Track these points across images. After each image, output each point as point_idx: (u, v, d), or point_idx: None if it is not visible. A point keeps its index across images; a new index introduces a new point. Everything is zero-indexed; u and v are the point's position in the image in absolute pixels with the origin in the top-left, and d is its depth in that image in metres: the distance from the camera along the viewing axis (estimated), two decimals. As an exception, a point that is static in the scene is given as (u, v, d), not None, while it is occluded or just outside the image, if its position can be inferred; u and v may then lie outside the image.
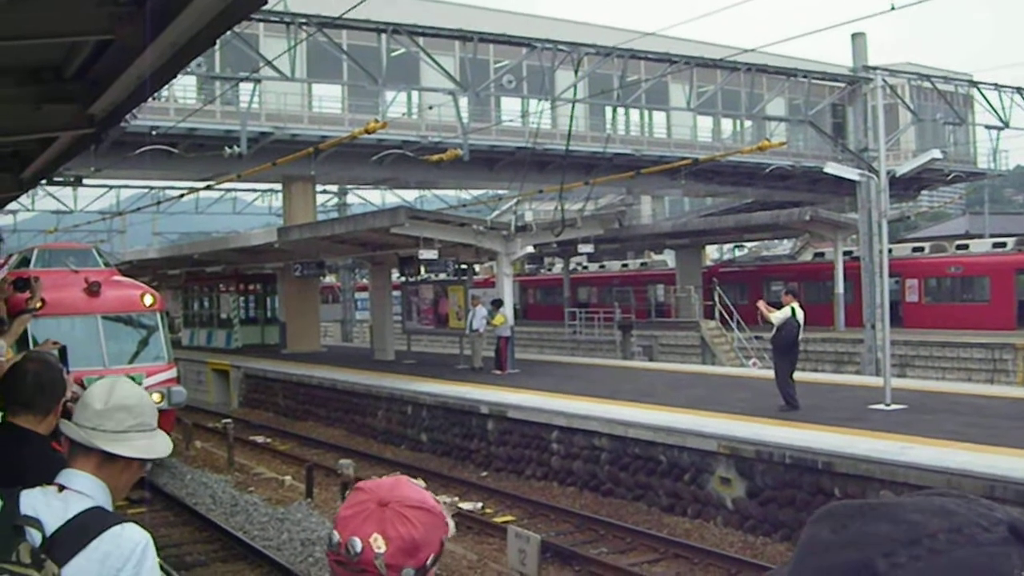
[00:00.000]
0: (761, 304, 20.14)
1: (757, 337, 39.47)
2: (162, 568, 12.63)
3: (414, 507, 2.17)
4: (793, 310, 19.07)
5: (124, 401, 3.23)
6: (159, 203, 50.37)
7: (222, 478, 21.37)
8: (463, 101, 36.62)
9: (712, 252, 71.45)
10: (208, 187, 42.56)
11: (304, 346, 40.82)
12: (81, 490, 3.08)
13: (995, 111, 38.30)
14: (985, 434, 15.22)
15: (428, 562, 2.18)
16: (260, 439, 27.44)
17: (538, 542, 11.96)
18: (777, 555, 14.23)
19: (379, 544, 2.10)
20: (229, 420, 24.64)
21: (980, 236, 51.14)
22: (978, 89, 40.86)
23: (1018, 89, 38.03)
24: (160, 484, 20.33)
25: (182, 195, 49.01)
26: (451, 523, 2.32)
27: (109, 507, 3.13)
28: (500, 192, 54.90)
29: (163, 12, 5.37)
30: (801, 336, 19.62)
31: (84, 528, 2.97)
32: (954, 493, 0.85)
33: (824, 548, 0.83)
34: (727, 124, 51.96)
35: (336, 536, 2.16)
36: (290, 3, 28.61)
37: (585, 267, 61.08)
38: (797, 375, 19.72)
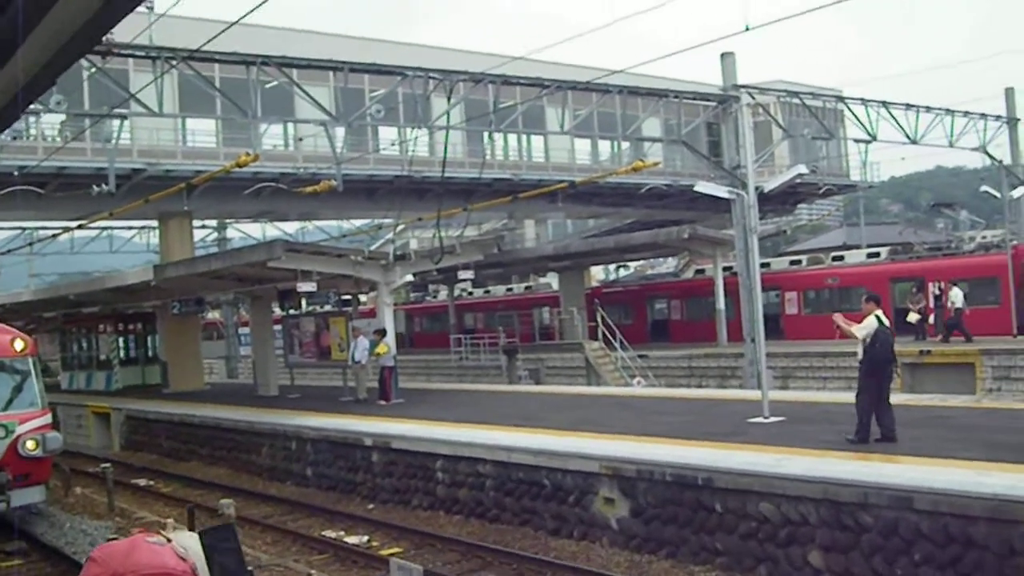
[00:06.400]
0: (838, 317, 16.79)
1: (641, 356, 39.88)
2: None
3: (152, 575, 2.09)
4: (879, 319, 15.94)
5: None
6: (31, 244, 49.25)
7: (102, 524, 20.83)
8: (339, 131, 36.41)
9: (599, 273, 72.02)
10: (80, 226, 41.71)
11: (187, 385, 40.21)
12: None
13: (863, 125, 39.16)
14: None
15: None
16: (143, 482, 26.91)
17: (420, 573, 11.83)
18: (662, 572, 14.28)
19: None
20: (108, 464, 24.02)
21: (857, 247, 52.28)
22: (846, 104, 41.78)
23: (884, 103, 38.90)
24: (36, 533, 19.76)
25: (56, 235, 47.91)
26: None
27: None
28: (383, 221, 54.65)
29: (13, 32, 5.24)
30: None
31: None
32: None
33: None
34: (605, 146, 52.39)
35: None
36: (159, 37, 28.21)
37: (470, 293, 61.13)
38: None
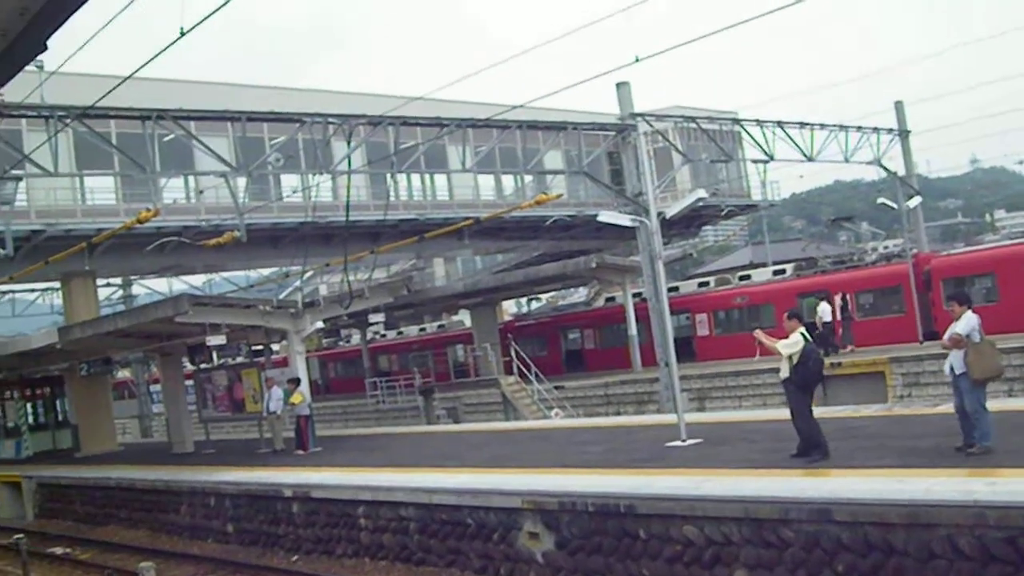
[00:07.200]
0: (760, 334, 16.72)
1: (557, 387, 39.93)
2: None
3: None
4: (804, 336, 15.83)
5: None
6: (-70, 312, 48.22)
7: (18, 597, 20.38)
8: (241, 181, 36.10)
9: (511, 307, 72.16)
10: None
11: (100, 447, 39.50)
12: None
13: (760, 146, 39.71)
14: (778, 459, 15.58)
15: None
16: (59, 550, 26.28)
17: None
18: (591, 604, 14.28)
19: None
20: (22, 535, 23.43)
21: (763, 264, 52.99)
22: (742, 126, 42.37)
23: (779, 123, 39.50)
24: (-51, 612, 19.29)
25: (-46, 303, 46.95)
26: None
27: None
28: (290, 268, 54.29)
29: None
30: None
31: None
32: None
33: None
34: (508, 180, 52.53)
35: None
36: (52, 95, 27.81)
37: (383, 335, 60.86)
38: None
